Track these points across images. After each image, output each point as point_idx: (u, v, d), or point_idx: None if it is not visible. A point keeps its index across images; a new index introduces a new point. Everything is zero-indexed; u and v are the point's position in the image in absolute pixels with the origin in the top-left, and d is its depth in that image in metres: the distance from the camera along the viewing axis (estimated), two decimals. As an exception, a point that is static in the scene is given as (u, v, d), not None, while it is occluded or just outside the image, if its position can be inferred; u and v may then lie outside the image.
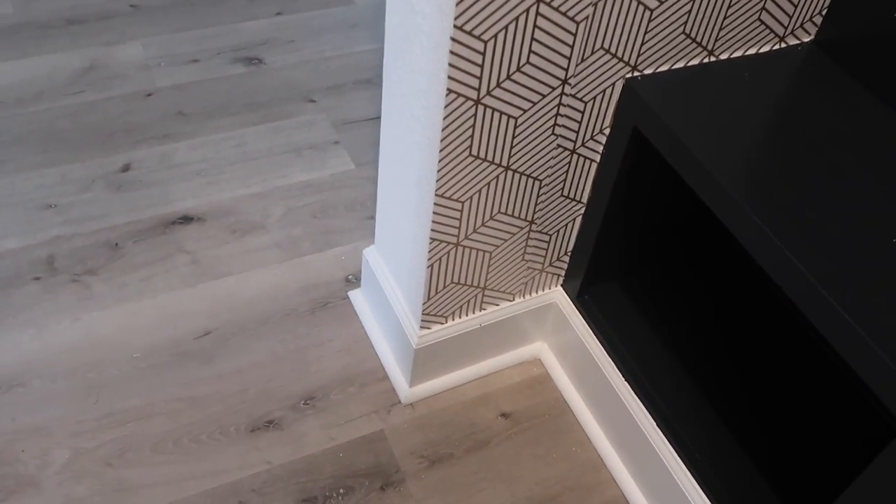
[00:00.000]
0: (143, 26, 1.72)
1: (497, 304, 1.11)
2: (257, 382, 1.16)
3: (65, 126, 1.49)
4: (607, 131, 0.94)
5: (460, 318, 1.09)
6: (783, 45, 0.96)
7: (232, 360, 1.18)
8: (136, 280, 1.27)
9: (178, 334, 1.20)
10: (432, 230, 0.93)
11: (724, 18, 0.88)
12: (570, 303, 1.12)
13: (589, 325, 1.10)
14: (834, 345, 0.70)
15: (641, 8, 0.82)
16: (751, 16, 0.90)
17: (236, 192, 1.41)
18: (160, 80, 1.61)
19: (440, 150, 0.84)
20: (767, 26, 0.92)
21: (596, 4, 0.79)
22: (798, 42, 0.97)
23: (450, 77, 0.78)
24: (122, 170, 1.42)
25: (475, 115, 0.82)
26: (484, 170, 0.89)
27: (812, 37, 0.97)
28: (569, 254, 1.09)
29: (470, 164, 0.87)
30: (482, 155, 0.87)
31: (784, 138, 0.85)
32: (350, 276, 1.30)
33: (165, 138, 1.49)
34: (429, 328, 1.07)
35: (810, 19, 0.95)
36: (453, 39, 0.74)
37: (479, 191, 0.91)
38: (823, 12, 0.95)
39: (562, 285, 1.14)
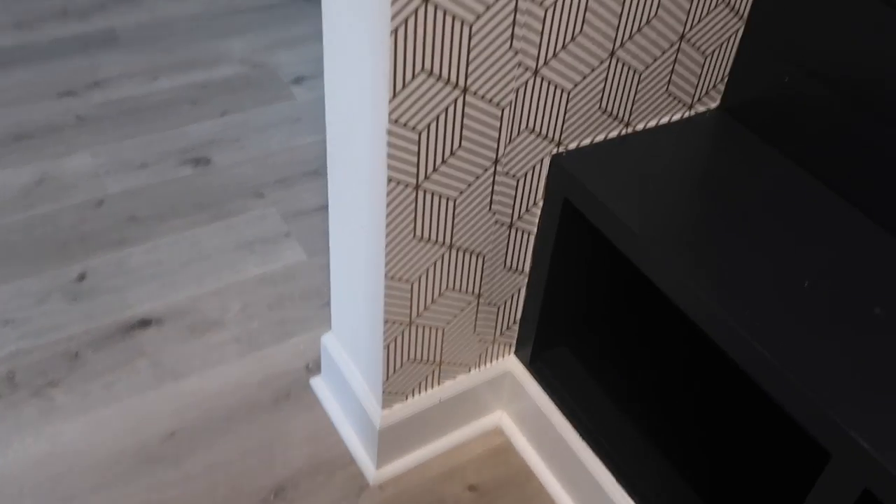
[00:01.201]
0: (90, 136, 1.77)
1: (454, 378, 1.15)
2: (226, 480, 1.17)
3: (18, 240, 1.51)
4: (540, 204, 1.00)
5: (420, 394, 1.12)
6: (692, 112, 1.04)
7: (199, 459, 1.19)
8: (99, 388, 1.27)
9: (144, 438, 1.21)
10: (385, 311, 0.97)
11: (636, 93, 0.96)
12: (525, 370, 1.17)
13: (544, 390, 1.14)
14: (761, 383, 0.75)
15: (559, 90, 0.89)
16: (659, 88, 0.98)
17: (192, 291, 1.44)
18: (111, 187, 1.64)
19: (386, 235, 0.89)
20: (676, 97, 1.01)
21: (517, 90, 0.86)
22: (706, 108, 1.05)
23: (389, 166, 0.83)
24: (78, 279, 1.45)
25: (416, 199, 0.88)
26: (429, 250, 0.94)
27: (718, 103, 1.05)
28: (518, 322, 1.14)
29: (415, 245, 0.92)
30: (426, 236, 0.92)
31: (700, 197, 0.92)
32: (310, 365, 1.33)
33: (119, 244, 1.52)
34: (390, 407, 1.10)
35: (714, 87, 1.03)
36: (390, 133, 0.80)
37: (427, 270, 0.96)
38: (725, 80, 1.03)
39: (515, 353, 1.18)
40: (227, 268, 1.49)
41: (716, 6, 0.94)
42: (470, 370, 1.16)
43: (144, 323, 1.38)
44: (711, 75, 1.02)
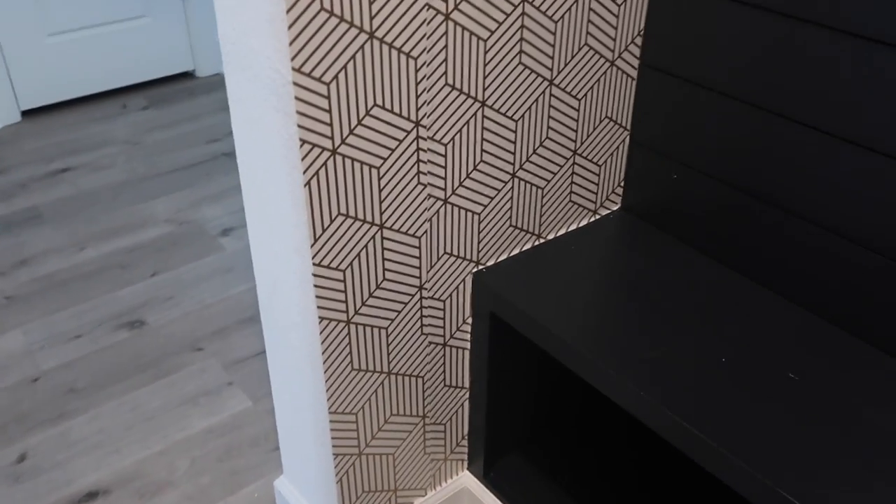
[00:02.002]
0: (20, 314, 1.76)
1: (412, 502, 1.15)
2: None
3: (-48, 430, 1.48)
4: (470, 320, 1.05)
5: (380, 524, 1.12)
6: (597, 216, 1.12)
7: None
8: (49, 570, 1.23)
9: None
10: (334, 446, 0.99)
11: (542, 207, 1.04)
12: (479, 483, 1.18)
13: (501, 501, 1.16)
14: (701, 463, 0.80)
15: (470, 214, 0.96)
16: (563, 200, 1.06)
17: (138, 455, 1.42)
18: (45, 362, 1.63)
19: (324, 371, 0.92)
20: (579, 205, 1.09)
21: (431, 220, 0.92)
22: (609, 211, 1.13)
23: (319, 307, 0.87)
24: (18, 460, 1.41)
25: (349, 334, 0.92)
26: (368, 379, 0.97)
27: (619, 205, 1.14)
28: (467, 437, 1.16)
29: (355, 377, 0.96)
30: (363, 366, 0.96)
31: (615, 293, 0.99)
32: (267, 511, 1.32)
33: (59, 418, 1.50)
34: (352, 542, 1.10)
35: (613, 191, 1.12)
36: (315, 275, 0.85)
37: (369, 399, 0.99)
38: (622, 184, 1.12)
39: (468, 468, 1.20)
40: (171, 426, 1.48)
41: (601, 122, 1.04)
42: (426, 492, 1.17)
43: (91, 496, 1.35)
44: (609, 181, 1.10)
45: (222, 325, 1.73)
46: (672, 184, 1.05)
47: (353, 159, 0.81)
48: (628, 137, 1.09)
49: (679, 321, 0.93)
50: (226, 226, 2.06)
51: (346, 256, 0.86)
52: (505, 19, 0.86)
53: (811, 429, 0.79)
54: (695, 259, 1.04)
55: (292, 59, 0.73)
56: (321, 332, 0.89)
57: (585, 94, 1.00)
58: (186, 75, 2.86)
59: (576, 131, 1.02)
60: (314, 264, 0.84)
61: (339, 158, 0.80)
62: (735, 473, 0.76)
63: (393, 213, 0.88)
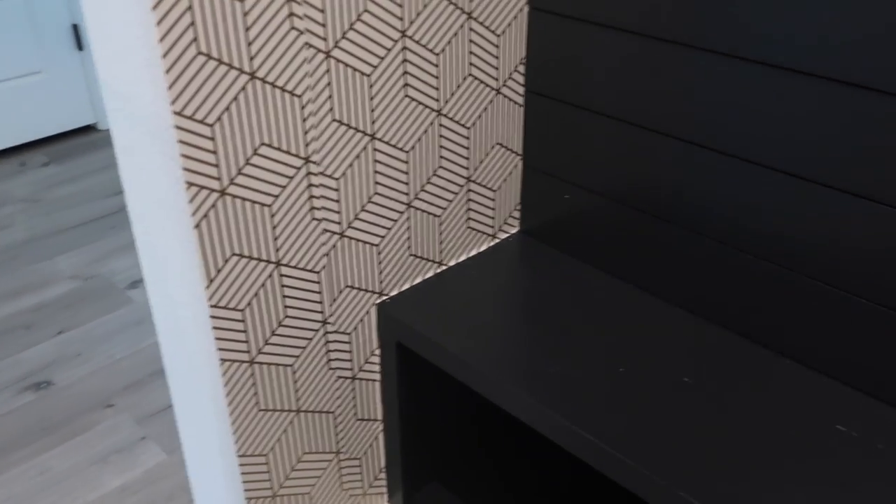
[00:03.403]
0: (-84, 386, 1.68)
1: (334, 541, 1.14)
2: None
3: None
4: (377, 352, 1.06)
5: (302, 567, 1.11)
6: (497, 240, 1.15)
7: None
8: None
9: None
10: (246, 490, 0.97)
11: (440, 234, 1.06)
12: (401, 516, 1.18)
13: (424, 531, 1.16)
14: (603, 471, 0.82)
15: (368, 246, 0.97)
16: (461, 226, 1.08)
17: (50, 520, 1.37)
18: (-55, 433, 1.56)
19: (230, 414, 0.91)
20: (478, 230, 1.11)
21: (328, 254, 0.93)
22: (508, 235, 1.16)
23: (219, 349, 0.87)
24: (-82, 538, 1.34)
25: (253, 374, 0.91)
26: (277, 419, 0.97)
27: (517, 228, 1.17)
28: (384, 470, 1.16)
29: (262, 417, 0.95)
30: (271, 406, 0.95)
31: (518, 315, 1.01)
32: (188, 566, 1.28)
33: (-39, 490, 1.43)
34: (274, 588, 1.08)
35: (510, 215, 1.15)
36: (213, 317, 0.85)
37: (279, 439, 0.98)
38: (518, 207, 1.15)
39: (389, 502, 1.20)
40: (82, 486, 1.43)
41: (492, 148, 1.07)
42: (348, 530, 1.16)
43: (0, 568, 1.29)
44: (505, 205, 1.13)
45: (134, 379, 1.69)
46: (565, 204, 1.09)
47: (243, 199, 0.82)
48: (521, 162, 1.12)
49: (579, 336, 0.96)
50: (134, 278, 2.02)
51: (243, 296, 0.86)
52: (386, 55, 0.88)
53: (706, 429, 0.82)
54: (592, 276, 1.07)
55: (172, 102, 0.73)
56: (223, 375, 0.89)
57: (475, 123, 1.03)
58: (88, 129, 2.81)
59: (468, 159, 1.04)
60: (211, 306, 0.84)
61: (228, 199, 0.81)
62: (636, 479, 0.79)
63: (289, 249, 0.88)
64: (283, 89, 0.80)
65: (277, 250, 0.87)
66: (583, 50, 0.98)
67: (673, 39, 0.88)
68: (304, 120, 0.84)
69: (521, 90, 1.07)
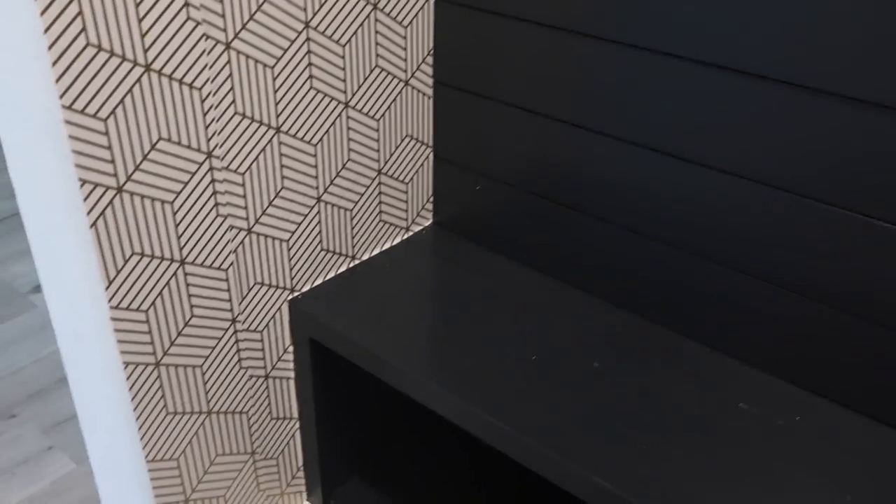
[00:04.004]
0: None
1: (252, 543, 1.12)
2: None
3: None
4: (291, 349, 1.04)
5: (219, 571, 1.08)
6: (410, 232, 1.14)
7: None
8: None
9: None
10: (156, 496, 0.94)
11: (352, 228, 1.05)
12: (321, 513, 1.17)
13: (345, 528, 1.15)
14: (516, 458, 0.82)
15: (278, 241, 0.95)
16: (373, 220, 1.07)
17: (-51, 539, 1.30)
18: None
19: (136, 419, 0.88)
20: (391, 223, 1.10)
21: (236, 251, 0.91)
22: (421, 227, 1.16)
23: (122, 352, 0.84)
24: None
25: (159, 376, 0.89)
26: (187, 422, 0.94)
27: (430, 220, 1.17)
28: (302, 468, 1.15)
29: (171, 420, 0.92)
30: (180, 409, 0.92)
31: (432, 307, 1.01)
32: (100, 578, 1.24)
33: None
34: None
35: (423, 207, 1.14)
36: (115, 319, 0.82)
37: (190, 442, 0.95)
38: (431, 199, 1.15)
39: (308, 500, 1.18)
40: (-14, 502, 1.36)
41: (402, 140, 1.06)
42: (266, 531, 1.14)
43: None
44: (418, 198, 1.13)
45: (38, 387, 1.61)
46: (477, 195, 1.09)
47: (142, 196, 0.79)
48: (431, 154, 1.12)
49: (492, 326, 0.96)
50: (37, 282, 1.93)
51: (146, 297, 0.83)
52: (290, 46, 0.87)
53: (616, 414, 0.84)
54: (504, 266, 1.08)
55: (61, 96, 0.70)
56: (128, 378, 0.86)
57: (384, 115, 1.02)
58: (-16, 126, 2.67)
59: (378, 151, 1.04)
60: (112, 308, 0.81)
61: (126, 196, 0.78)
62: (551, 466, 0.80)
63: (193, 247, 0.86)
64: (181, 82, 0.78)
65: (181, 248, 0.85)
66: (490, 41, 0.98)
67: (577, 30, 0.89)
68: (205, 113, 0.81)
69: (430, 81, 1.06)
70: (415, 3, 0.99)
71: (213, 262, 0.88)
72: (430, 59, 1.05)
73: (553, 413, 0.84)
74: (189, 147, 0.81)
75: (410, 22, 0.99)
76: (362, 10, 0.93)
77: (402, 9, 0.97)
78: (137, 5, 0.72)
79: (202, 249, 0.87)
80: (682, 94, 0.84)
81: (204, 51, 0.79)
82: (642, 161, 0.90)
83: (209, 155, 0.83)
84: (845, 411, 0.85)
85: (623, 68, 0.87)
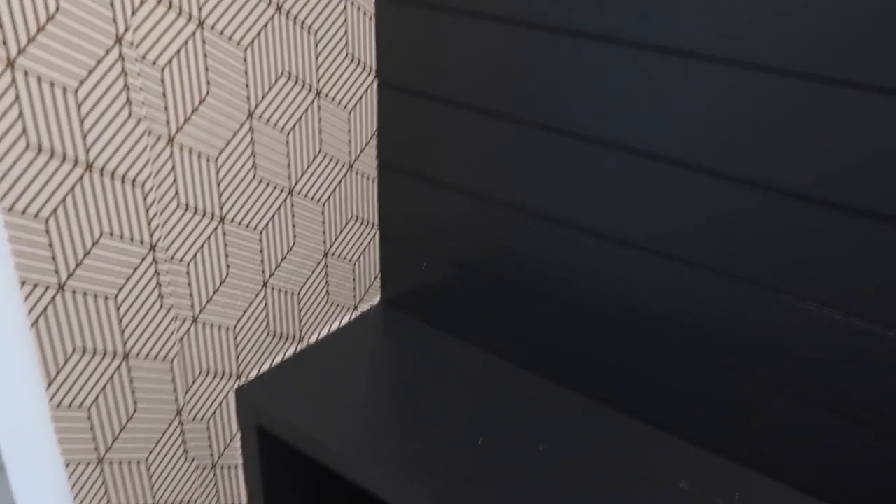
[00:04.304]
0: None
1: None
2: None
3: None
4: (238, 437, 1.02)
5: None
6: (358, 312, 1.15)
7: None
8: None
9: None
10: None
11: (300, 311, 1.05)
12: None
13: None
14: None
15: (224, 330, 0.95)
16: (321, 301, 1.08)
17: None
18: None
19: (79, 519, 0.86)
20: (338, 304, 1.11)
21: (181, 341, 0.90)
22: (370, 306, 1.16)
23: (64, 449, 0.82)
24: None
25: (102, 472, 0.87)
26: (132, 518, 0.92)
27: (379, 298, 1.17)
28: (252, 557, 1.12)
29: (115, 518, 0.90)
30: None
31: (380, 389, 1.01)
32: None
33: None
34: None
35: (371, 286, 1.15)
36: (56, 417, 0.80)
37: (135, 539, 0.93)
38: (379, 278, 1.16)
39: (259, 590, 1.15)
40: None
41: (348, 222, 1.07)
42: None
43: None
44: (365, 277, 1.14)
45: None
46: (423, 274, 1.10)
47: (84, 292, 0.78)
48: (377, 234, 1.13)
49: (440, 409, 0.97)
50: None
51: (88, 393, 0.82)
52: (233, 136, 0.88)
53: (562, 496, 0.85)
54: (452, 345, 1.09)
55: (1, 198, 0.70)
56: (70, 477, 0.84)
57: (329, 198, 1.03)
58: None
59: (324, 234, 1.04)
60: (53, 407, 0.79)
61: (68, 294, 0.77)
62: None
63: (137, 340, 0.85)
64: (123, 178, 0.78)
65: (125, 342, 0.84)
66: (431, 125, 1.00)
67: (519, 119, 0.92)
68: (148, 207, 0.82)
69: (374, 164, 1.08)
70: (358, 89, 1.01)
71: (157, 354, 0.88)
72: (374, 142, 1.07)
73: (500, 499, 0.84)
74: (132, 241, 0.81)
75: (354, 107, 1.02)
76: (305, 97, 0.95)
77: (345, 94, 0.99)
78: (79, 105, 0.72)
79: (146, 342, 0.86)
80: (625, 180, 0.87)
81: (147, 146, 0.79)
82: (583, 243, 0.92)
83: (152, 247, 0.83)
84: (786, 488, 0.86)
85: (562, 156, 0.90)
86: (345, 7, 0.95)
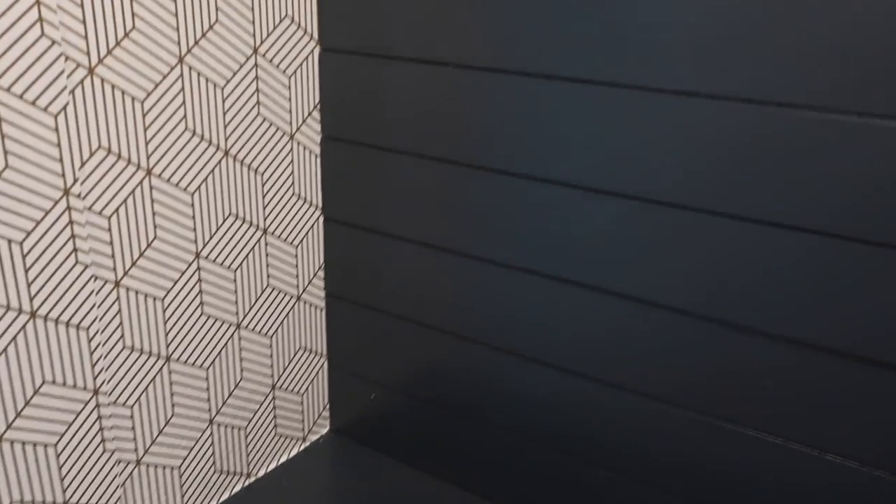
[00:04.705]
0: None
1: None
2: None
3: None
4: (183, 581, 0.99)
5: None
6: (307, 442, 1.14)
7: None
8: None
9: None
10: None
11: (247, 446, 1.04)
12: None
13: None
14: None
15: (168, 470, 0.93)
16: (268, 434, 1.07)
17: None
18: None
19: None
20: (286, 436, 1.10)
21: (123, 486, 0.88)
22: (319, 436, 1.15)
23: None
24: None
25: None
26: None
27: (327, 428, 1.17)
28: None
29: None
30: None
31: (330, 524, 0.99)
32: None
33: None
34: None
35: (320, 416, 1.15)
36: (-12, 574, 0.77)
37: None
38: (327, 407, 1.16)
39: None
40: None
41: (296, 353, 1.08)
42: None
43: None
44: (314, 407, 1.13)
45: None
46: (372, 403, 1.11)
47: (23, 442, 0.77)
48: (326, 363, 1.13)
49: (391, 542, 0.96)
50: None
51: (24, 546, 0.80)
52: (180, 277, 0.89)
53: None
54: (403, 474, 1.08)
55: (-60, 352, 0.70)
56: None
57: (276, 331, 1.04)
58: None
59: (271, 367, 1.05)
60: (-15, 564, 0.77)
61: (6, 445, 0.76)
62: None
63: (77, 488, 0.83)
64: (67, 324, 0.78)
65: (65, 490, 0.82)
66: (375, 257, 1.03)
67: (457, 251, 0.95)
68: (92, 352, 0.82)
69: (322, 294, 1.10)
70: (304, 224, 1.04)
71: (98, 501, 0.86)
72: (321, 274, 1.09)
73: None
74: (74, 387, 0.81)
75: (301, 241, 1.04)
76: (253, 235, 0.97)
77: (291, 230, 1.02)
78: (24, 256, 0.73)
79: (87, 488, 0.84)
80: (574, 314, 0.89)
81: (93, 291, 0.80)
82: (531, 373, 0.94)
83: (96, 392, 0.83)
84: None
85: (508, 287, 0.93)
86: (291, 148, 0.99)
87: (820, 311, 0.73)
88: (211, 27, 0.84)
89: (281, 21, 0.92)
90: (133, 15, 0.77)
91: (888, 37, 0.64)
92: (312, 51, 0.97)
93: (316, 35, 0.97)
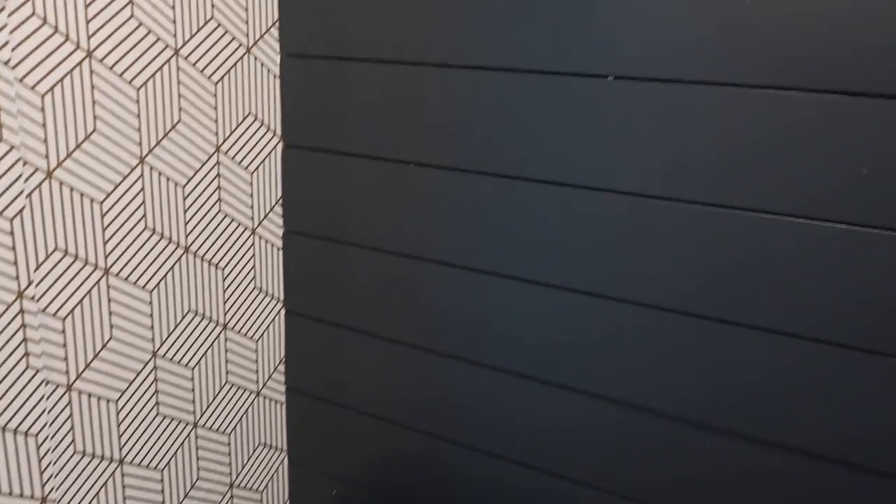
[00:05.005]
0: None
1: None
2: None
3: None
4: None
5: None
6: (266, 544, 1.10)
7: None
8: None
9: None
10: None
11: (202, 550, 1.00)
12: None
13: None
14: None
15: (118, 579, 0.90)
16: (225, 537, 1.03)
17: None
18: None
19: None
20: (244, 538, 1.06)
21: None
22: None
23: None
24: None
25: None
26: None
27: None
28: None
29: None
30: None
31: None
32: None
33: None
34: None
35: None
36: None
37: None
38: (288, 503, 1.13)
39: None
40: None
41: (255, 449, 1.05)
42: None
43: None
44: (272, 505, 1.10)
45: None
46: (334, 499, 1.08)
47: (-37, 558, 0.73)
48: (286, 459, 1.11)
49: None
50: None
51: None
52: (135, 377, 0.87)
53: None
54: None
55: None
56: None
57: (235, 428, 1.02)
58: None
59: (230, 465, 1.02)
60: None
61: (-56, 561, 0.72)
62: None
63: None
64: (15, 431, 0.76)
65: None
66: (336, 350, 1.02)
67: (417, 346, 0.94)
68: (41, 458, 0.79)
69: (282, 388, 1.08)
70: (265, 319, 1.02)
71: None
72: (281, 368, 1.07)
73: None
74: (21, 496, 0.77)
75: (261, 336, 1.03)
76: (212, 331, 0.95)
77: (251, 325, 1.01)
78: (-27, 363, 0.71)
79: None
80: (536, 410, 0.89)
81: (43, 396, 0.78)
82: (491, 467, 0.92)
83: (43, 500, 0.80)
84: None
85: (462, 378, 0.92)
86: (253, 242, 0.98)
87: (792, 414, 0.73)
88: (174, 127, 0.85)
89: (244, 118, 0.93)
90: (95, 118, 0.77)
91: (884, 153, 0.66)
92: (276, 147, 0.98)
93: (279, 131, 0.98)
